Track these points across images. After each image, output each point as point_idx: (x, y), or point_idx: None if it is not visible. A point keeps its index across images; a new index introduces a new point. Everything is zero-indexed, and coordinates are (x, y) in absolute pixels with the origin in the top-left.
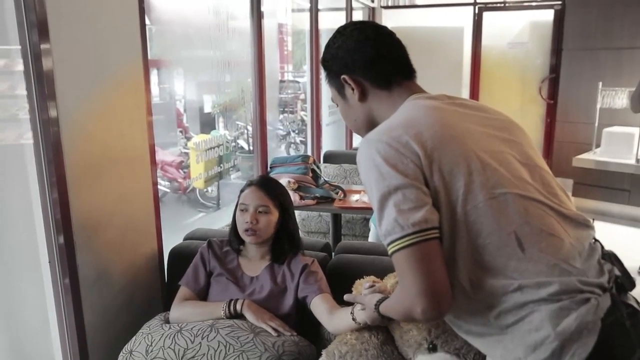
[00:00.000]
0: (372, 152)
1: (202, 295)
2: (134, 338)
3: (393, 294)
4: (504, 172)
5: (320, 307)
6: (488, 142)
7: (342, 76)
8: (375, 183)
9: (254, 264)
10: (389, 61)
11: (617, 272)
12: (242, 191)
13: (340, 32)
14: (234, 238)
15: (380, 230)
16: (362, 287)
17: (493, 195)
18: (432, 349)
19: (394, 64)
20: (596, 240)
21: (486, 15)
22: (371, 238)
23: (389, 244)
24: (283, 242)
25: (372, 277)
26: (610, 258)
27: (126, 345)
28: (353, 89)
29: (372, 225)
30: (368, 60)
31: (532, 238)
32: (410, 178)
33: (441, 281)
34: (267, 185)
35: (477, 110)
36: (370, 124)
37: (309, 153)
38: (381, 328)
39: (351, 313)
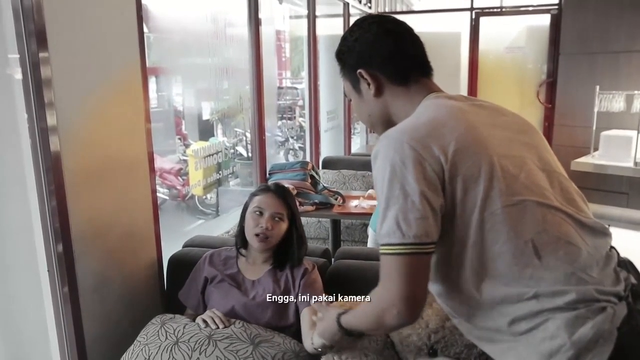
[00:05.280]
0: (390, 151)
1: (201, 308)
2: (131, 347)
3: (370, 295)
4: (523, 179)
5: (305, 319)
6: (509, 146)
7: (359, 70)
8: (387, 182)
9: (255, 267)
10: (408, 57)
11: (633, 280)
12: (254, 195)
13: (358, 25)
14: (240, 240)
15: (380, 228)
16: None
17: (511, 203)
18: (432, 354)
19: (412, 60)
20: (612, 247)
21: (483, 20)
22: (370, 244)
23: (385, 245)
24: (286, 250)
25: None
26: (626, 266)
27: (124, 355)
28: (369, 84)
29: (370, 231)
30: (387, 54)
31: (549, 246)
32: (423, 185)
33: (423, 292)
34: (283, 193)
35: (496, 112)
36: (385, 120)
37: (308, 159)
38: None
39: (311, 338)
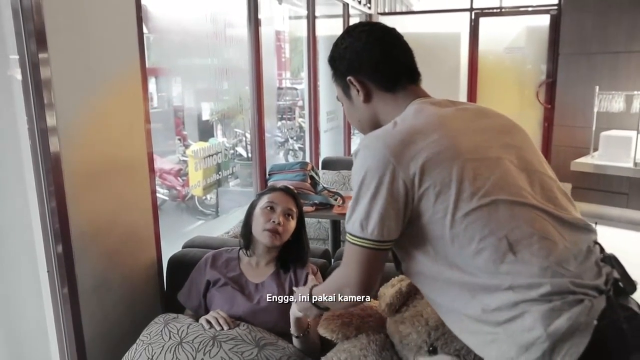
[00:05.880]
0: (367, 155)
1: (202, 311)
2: (134, 346)
3: (333, 273)
4: (496, 179)
5: None
6: (484, 149)
7: (348, 77)
8: (360, 183)
9: (258, 270)
10: (395, 64)
11: (616, 274)
12: (263, 194)
13: (348, 33)
14: (244, 241)
15: (347, 217)
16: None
17: (483, 203)
18: (432, 351)
19: (400, 68)
20: (596, 242)
21: (482, 20)
22: None
23: (348, 233)
24: (292, 251)
25: None
26: (611, 261)
27: (126, 354)
28: (358, 90)
29: None
30: (374, 62)
31: (523, 242)
32: (390, 192)
33: (374, 279)
34: (293, 193)
35: (479, 114)
36: (374, 125)
37: (307, 160)
38: (380, 334)
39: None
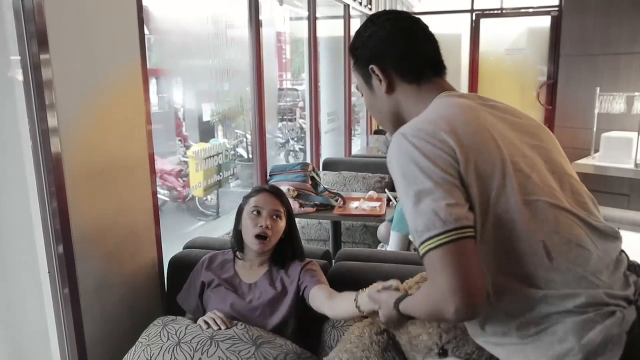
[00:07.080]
0: (408, 147)
1: (199, 312)
2: (133, 348)
3: (419, 291)
4: (535, 179)
5: (319, 294)
6: (520, 147)
7: (371, 66)
8: (413, 177)
9: (252, 271)
10: (420, 56)
11: None
12: (249, 197)
13: (372, 21)
14: (236, 243)
15: (416, 226)
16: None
17: (526, 201)
18: (443, 354)
19: (425, 60)
20: (622, 251)
21: (483, 22)
22: (392, 247)
23: (426, 240)
24: (286, 249)
25: (396, 281)
26: (636, 269)
27: (126, 356)
28: (381, 80)
29: (394, 233)
30: (400, 53)
31: (560, 248)
32: (450, 174)
33: (478, 280)
34: (278, 192)
35: (508, 113)
36: (395, 117)
37: (308, 161)
38: (382, 334)
39: (355, 300)
